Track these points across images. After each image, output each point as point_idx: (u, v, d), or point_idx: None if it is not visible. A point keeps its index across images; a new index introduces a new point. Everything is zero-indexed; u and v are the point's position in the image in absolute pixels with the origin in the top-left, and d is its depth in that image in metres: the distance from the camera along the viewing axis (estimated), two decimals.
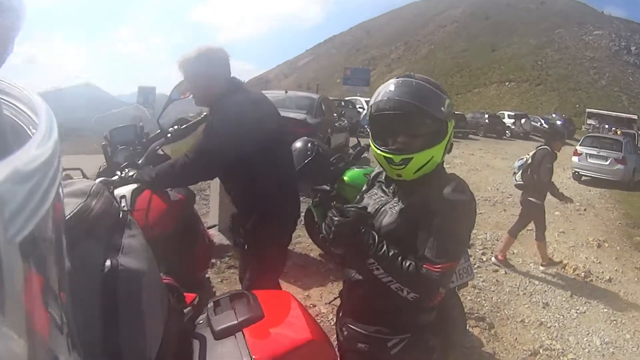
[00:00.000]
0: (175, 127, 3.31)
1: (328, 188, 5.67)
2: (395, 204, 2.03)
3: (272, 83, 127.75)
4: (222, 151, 2.87)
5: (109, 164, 3.35)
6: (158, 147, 3.30)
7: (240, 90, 3.10)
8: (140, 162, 3.20)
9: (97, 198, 1.17)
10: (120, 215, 1.29)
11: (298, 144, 5.66)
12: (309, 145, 5.61)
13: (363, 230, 1.89)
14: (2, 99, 0.68)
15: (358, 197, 2.31)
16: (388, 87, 2.00)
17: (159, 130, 3.34)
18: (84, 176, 2.96)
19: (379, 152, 2.01)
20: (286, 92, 14.20)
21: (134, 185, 2.81)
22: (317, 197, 5.87)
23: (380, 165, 2.11)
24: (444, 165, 2.12)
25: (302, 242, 6.68)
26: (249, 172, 2.98)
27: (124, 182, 2.91)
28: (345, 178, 5.71)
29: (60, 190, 0.60)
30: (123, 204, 2.65)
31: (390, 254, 1.86)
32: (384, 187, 2.17)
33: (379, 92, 2.03)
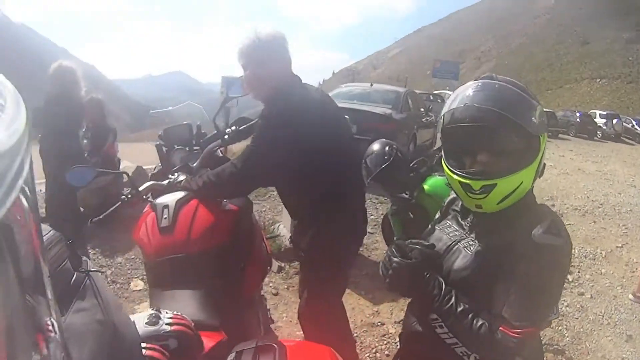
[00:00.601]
0: (234, 127, 3.02)
1: (407, 196, 5.23)
2: (471, 242, 1.66)
3: (361, 74, 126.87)
4: (272, 160, 2.57)
5: (164, 165, 3.15)
6: (215, 149, 3.04)
7: (298, 87, 2.77)
8: (195, 165, 2.97)
9: None
10: (73, 279, 0.99)
11: (375, 147, 5.23)
12: (387, 148, 5.16)
13: (427, 276, 1.55)
14: None
15: (430, 226, 1.93)
16: (466, 92, 1.62)
17: (216, 131, 3.08)
18: (130, 180, 2.77)
19: (454, 176, 1.63)
20: (371, 85, 13.77)
21: (181, 194, 2.56)
22: (394, 205, 5.48)
23: (455, 192, 1.72)
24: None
25: (379, 248, 6.26)
26: (304, 184, 2.68)
27: (171, 188, 2.68)
28: (426, 187, 5.14)
29: (31, 173, 0.54)
30: (165, 215, 2.44)
31: (459, 309, 1.50)
32: (459, 219, 1.78)
33: (454, 97, 1.65)
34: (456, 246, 1.68)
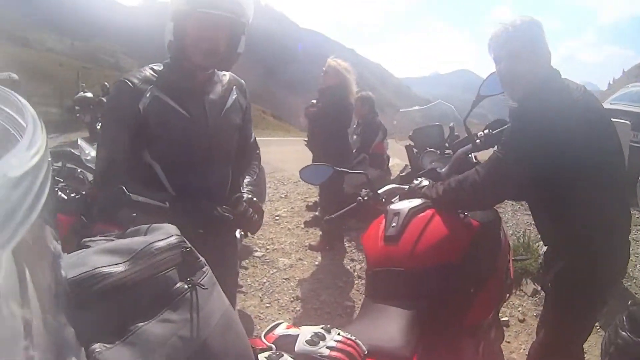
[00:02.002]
0: (487, 130, 2.68)
1: None
2: None
3: None
4: (519, 170, 2.16)
5: (413, 168, 2.97)
6: (466, 154, 2.74)
7: (557, 84, 2.28)
8: (443, 170, 2.72)
9: (139, 264, 0.88)
10: (173, 289, 0.93)
11: None
12: None
13: None
14: None
15: None
16: None
17: (467, 135, 2.77)
18: (369, 182, 2.62)
19: None
20: None
21: (418, 202, 2.30)
22: None
23: None
24: None
25: None
26: (558, 204, 2.24)
27: (412, 194, 2.46)
28: None
29: (51, 197, 0.51)
30: (394, 223, 2.21)
31: None
32: None
33: None
34: None
